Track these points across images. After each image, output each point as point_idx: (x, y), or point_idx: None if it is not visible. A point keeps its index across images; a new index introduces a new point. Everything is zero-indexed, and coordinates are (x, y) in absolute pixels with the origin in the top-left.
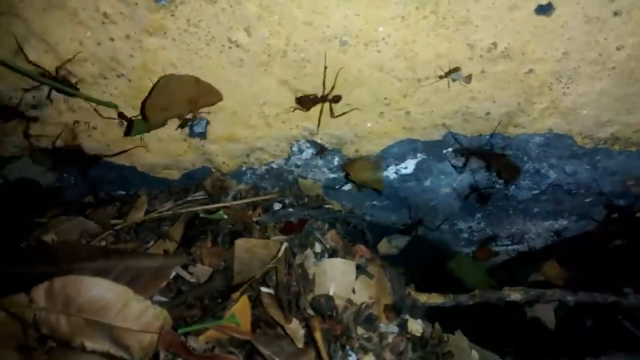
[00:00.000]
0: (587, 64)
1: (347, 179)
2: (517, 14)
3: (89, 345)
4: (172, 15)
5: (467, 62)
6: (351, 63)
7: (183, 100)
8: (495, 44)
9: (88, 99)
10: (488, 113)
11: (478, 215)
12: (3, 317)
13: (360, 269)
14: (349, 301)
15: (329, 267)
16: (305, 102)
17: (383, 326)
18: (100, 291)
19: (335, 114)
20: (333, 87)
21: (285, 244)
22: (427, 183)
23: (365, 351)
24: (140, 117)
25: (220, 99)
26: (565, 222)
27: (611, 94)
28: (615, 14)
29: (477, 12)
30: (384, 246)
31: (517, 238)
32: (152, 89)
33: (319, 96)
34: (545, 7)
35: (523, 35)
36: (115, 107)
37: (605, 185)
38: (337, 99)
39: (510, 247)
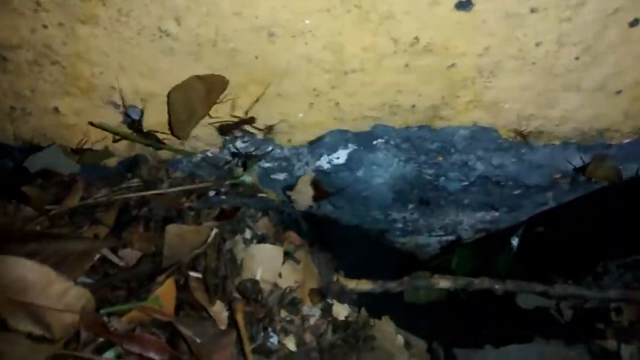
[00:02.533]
0: (508, 59)
1: None
2: (437, 10)
3: (12, 323)
4: (104, 5)
5: (392, 55)
6: (280, 54)
7: (198, 102)
8: (417, 39)
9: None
10: (414, 106)
11: (411, 206)
12: None
13: (288, 255)
14: (275, 285)
15: (257, 253)
16: (225, 129)
17: (306, 309)
18: (23, 271)
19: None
20: (247, 112)
21: (215, 230)
22: (360, 173)
23: (287, 333)
24: None
25: (226, 81)
26: (497, 214)
27: (533, 88)
28: (533, 10)
29: (399, 7)
30: None
31: (450, 229)
32: (168, 109)
33: (236, 121)
34: (464, 3)
35: (444, 30)
36: None
37: (533, 178)
38: (252, 120)
39: (443, 238)
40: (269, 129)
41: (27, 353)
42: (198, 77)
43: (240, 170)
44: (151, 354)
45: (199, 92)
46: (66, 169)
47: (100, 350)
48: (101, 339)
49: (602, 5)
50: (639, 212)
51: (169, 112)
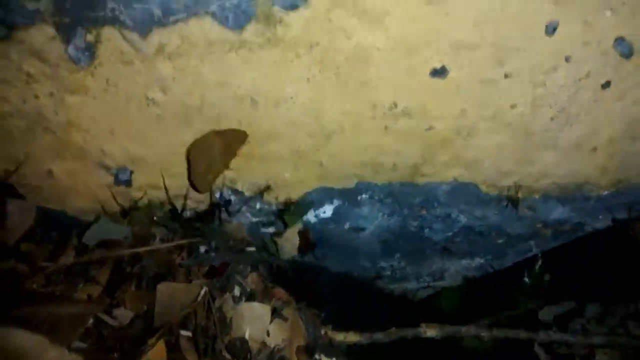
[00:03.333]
0: (484, 121)
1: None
2: (413, 77)
3: None
4: (92, 76)
5: (371, 119)
6: (263, 119)
7: (217, 156)
8: (395, 104)
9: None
10: (395, 164)
11: (397, 255)
12: None
13: (275, 312)
14: (263, 344)
15: (246, 311)
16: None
17: None
18: (18, 341)
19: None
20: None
21: (205, 288)
22: (347, 226)
23: None
24: None
25: (245, 135)
26: (481, 261)
27: (509, 147)
28: (506, 76)
29: (376, 75)
30: None
31: (437, 275)
32: (188, 164)
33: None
34: (439, 70)
35: (421, 96)
36: None
37: (515, 228)
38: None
39: (432, 284)
40: (258, 186)
41: None
42: (216, 132)
43: (230, 225)
44: None
45: (218, 147)
46: (119, 234)
47: None
48: None
49: (574, 69)
50: (620, 258)
51: (188, 168)
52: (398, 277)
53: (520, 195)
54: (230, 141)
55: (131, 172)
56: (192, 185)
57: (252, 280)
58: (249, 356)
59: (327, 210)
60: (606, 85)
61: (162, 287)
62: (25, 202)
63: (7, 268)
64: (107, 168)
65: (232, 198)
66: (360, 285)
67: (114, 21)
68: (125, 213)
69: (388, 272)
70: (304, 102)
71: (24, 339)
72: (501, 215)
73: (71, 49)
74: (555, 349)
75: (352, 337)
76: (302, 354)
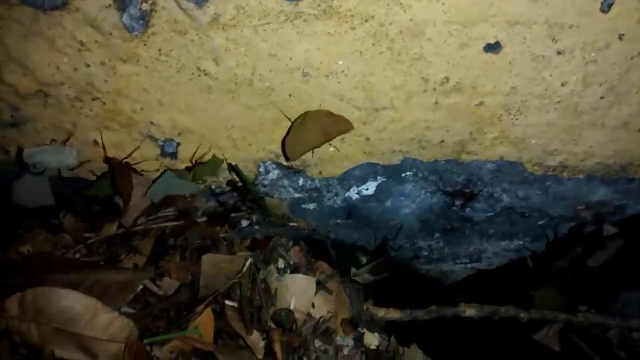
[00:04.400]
0: (534, 98)
1: None
2: (467, 52)
3: (59, 353)
4: (145, 45)
5: (421, 94)
6: (313, 92)
7: (317, 132)
8: (447, 78)
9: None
10: (442, 141)
11: (437, 234)
12: None
13: (320, 285)
14: (309, 315)
15: (291, 282)
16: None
17: (339, 339)
18: (70, 302)
19: None
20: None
21: (249, 260)
22: (388, 204)
23: None
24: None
25: (350, 127)
26: (520, 243)
27: (558, 125)
28: (559, 52)
29: (430, 49)
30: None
31: (475, 257)
32: (290, 127)
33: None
34: (493, 46)
35: (473, 71)
36: None
37: (557, 209)
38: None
39: (469, 265)
40: (301, 161)
41: None
42: (328, 113)
43: (272, 200)
44: None
45: (322, 125)
46: (186, 190)
47: None
48: None
49: (627, 47)
50: None
51: (289, 130)
52: (435, 257)
53: (565, 174)
54: (333, 124)
55: (177, 144)
56: (283, 148)
57: (294, 253)
58: (294, 326)
59: (370, 187)
60: None
61: (207, 258)
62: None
63: (51, 237)
64: (154, 139)
65: (276, 172)
66: (399, 265)
67: None
68: (188, 169)
69: (425, 252)
70: (355, 75)
71: (75, 300)
72: (544, 196)
73: (125, 18)
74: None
75: (392, 314)
76: (347, 327)
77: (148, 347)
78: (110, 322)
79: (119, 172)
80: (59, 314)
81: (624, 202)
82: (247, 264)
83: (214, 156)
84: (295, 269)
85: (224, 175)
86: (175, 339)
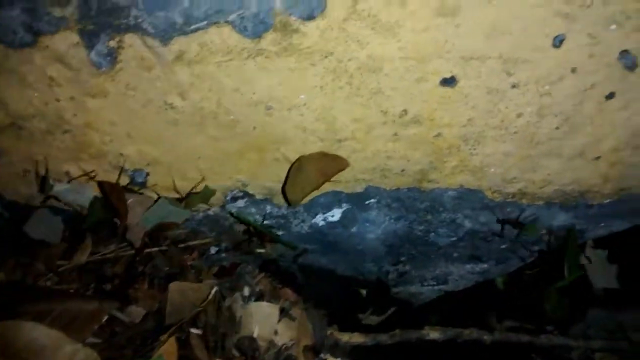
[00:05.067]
0: (490, 129)
1: None
2: (424, 86)
3: None
4: (113, 80)
5: (381, 126)
6: (277, 125)
7: (315, 175)
8: (405, 111)
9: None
10: (403, 170)
11: (403, 258)
12: None
13: (283, 312)
14: (271, 342)
15: (255, 310)
16: None
17: None
18: (35, 335)
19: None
20: None
21: (215, 288)
22: (354, 230)
23: None
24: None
25: (347, 164)
26: (485, 266)
27: (515, 155)
28: (514, 86)
29: (388, 84)
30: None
31: (441, 279)
32: (288, 173)
33: None
34: (449, 80)
35: (430, 104)
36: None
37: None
38: None
39: (436, 287)
40: (268, 189)
41: None
42: (323, 154)
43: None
44: None
45: (318, 166)
46: (179, 217)
47: None
48: None
49: (579, 81)
50: (623, 264)
51: (287, 177)
52: (403, 280)
53: (524, 201)
54: (331, 164)
55: (147, 174)
56: (284, 194)
57: (261, 280)
58: (257, 354)
59: (335, 214)
60: (610, 96)
61: (174, 287)
62: (143, 197)
63: (24, 266)
64: (123, 170)
65: (243, 200)
66: (366, 287)
67: (137, 28)
68: (182, 198)
69: (393, 276)
70: (317, 108)
71: (40, 333)
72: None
73: (93, 55)
74: (556, 353)
75: (357, 338)
76: (309, 353)
77: None
78: (74, 353)
79: (113, 194)
80: (25, 348)
81: (584, 226)
82: (213, 292)
83: (206, 186)
84: (260, 297)
85: (216, 203)
86: None
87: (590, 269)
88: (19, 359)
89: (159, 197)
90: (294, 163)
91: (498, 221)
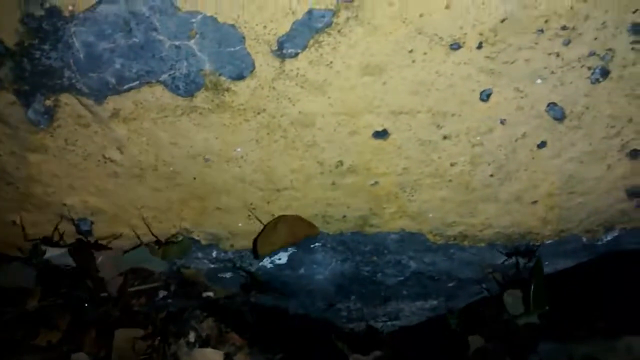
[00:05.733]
0: (426, 177)
1: None
2: (357, 138)
3: None
4: (51, 136)
5: (318, 175)
6: (216, 176)
7: (286, 234)
8: (341, 162)
9: None
10: (344, 216)
11: (353, 297)
12: None
13: (228, 357)
14: None
15: (199, 356)
16: None
17: None
18: None
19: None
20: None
21: (158, 337)
22: (302, 271)
23: None
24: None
25: (317, 232)
26: (435, 302)
27: (452, 200)
28: (445, 137)
29: (322, 137)
30: None
31: (393, 315)
32: (263, 228)
33: None
34: (381, 133)
35: (365, 155)
36: None
37: (465, 272)
38: None
39: (389, 323)
40: (213, 235)
41: None
42: (299, 218)
43: (188, 271)
44: None
45: (291, 228)
46: (157, 267)
47: None
48: None
49: (510, 131)
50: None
51: (261, 231)
52: (355, 317)
53: (466, 243)
54: (303, 229)
55: (92, 223)
56: (254, 246)
57: (207, 325)
58: None
59: (282, 257)
60: (542, 144)
61: (119, 334)
62: (113, 251)
63: None
64: (68, 219)
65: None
66: (317, 325)
67: (71, 89)
68: (160, 244)
69: (345, 313)
70: (254, 160)
71: None
72: (450, 261)
73: (31, 113)
74: None
75: None
76: None
77: None
78: None
79: (79, 252)
80: None
81: (529, 265)
82: (158, 340)
83: (184, 238)
84: (206, 342)
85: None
86: None
87: (510, 307)
88: None
89: (141, 243)
90: (270, 221)
91: (508, 255)
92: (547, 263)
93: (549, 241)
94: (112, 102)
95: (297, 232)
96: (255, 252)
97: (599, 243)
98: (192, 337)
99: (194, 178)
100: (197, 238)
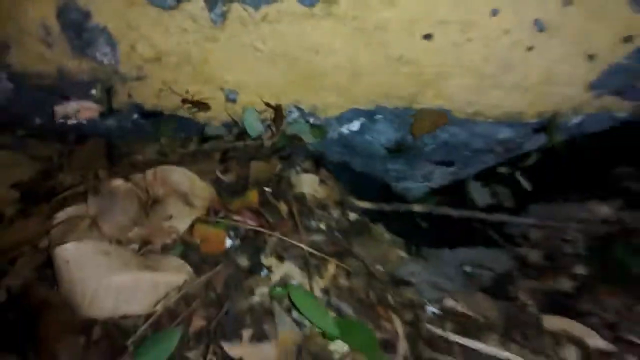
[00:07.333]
0: (454, 68)
1: None
2: (412, 39)
3: (172, 201)
4: (222, 31)
5: (385, 66)
6: (320, 63)
7: (429, 122)
8: (402, 56)
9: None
10: (400, 95)
11: (400, 160)
12: (129, 186)
13: (321, 181)
14: (314, 196)
15: (303, 178)
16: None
17: (332, 210)
18: (179, 175)
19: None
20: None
21: (279, 165)
22: (368, 137)
23: (320, 220)
24: None
25: (445, 121)
26: (454, 169)
27: (472, 86)
28: (469, 40)
29: (392, 37)
30: None
31: (426, 178)
32: (414, 119)
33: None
34: (428, 36)
35: (417, 52)
36: None
37: (477, 144)
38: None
39: (422, 184)
40: (312, 107)
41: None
42: (438, 112)
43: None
44: (249, 221)
45: (434, 118)
46: (310, 139)
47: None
48: (222, 214)
49: (511, 39)
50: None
51: (414, 120)
52: (401, 176)
53: (480, 118)
54: (438, 118)
55: (237, 93)
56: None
57: (307, 163)
58: (305, 201)
59: (355, 125)
60: (530, 48)
61: (254, 164)
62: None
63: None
64: (222, 90)
65: (296, 114)
66: (374, 181)
67: (240, 0)
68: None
69: (393, 173)
70: (346, 53)
71: (182, 174)
72: (467, 133)
73: (212, 15)
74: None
75: (365, 204)
76: (336, 204)
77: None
78: (202, 188)
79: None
80: (173, 181)
81: (521, 140)
82: (278, 168)
83: (322, 125)
84: (306, 171)
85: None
86: (238, 201)
87: (474, 194)
88: (170, 188)
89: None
90: (416, 113)
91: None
92: (532, 139)
93: (534, 120)
94: (264, 9)
95: (437, 121)
96: (412, 133)
97: (569, 125)
98: (298, 168)
99: (306, 63)
100: (302, 107)
